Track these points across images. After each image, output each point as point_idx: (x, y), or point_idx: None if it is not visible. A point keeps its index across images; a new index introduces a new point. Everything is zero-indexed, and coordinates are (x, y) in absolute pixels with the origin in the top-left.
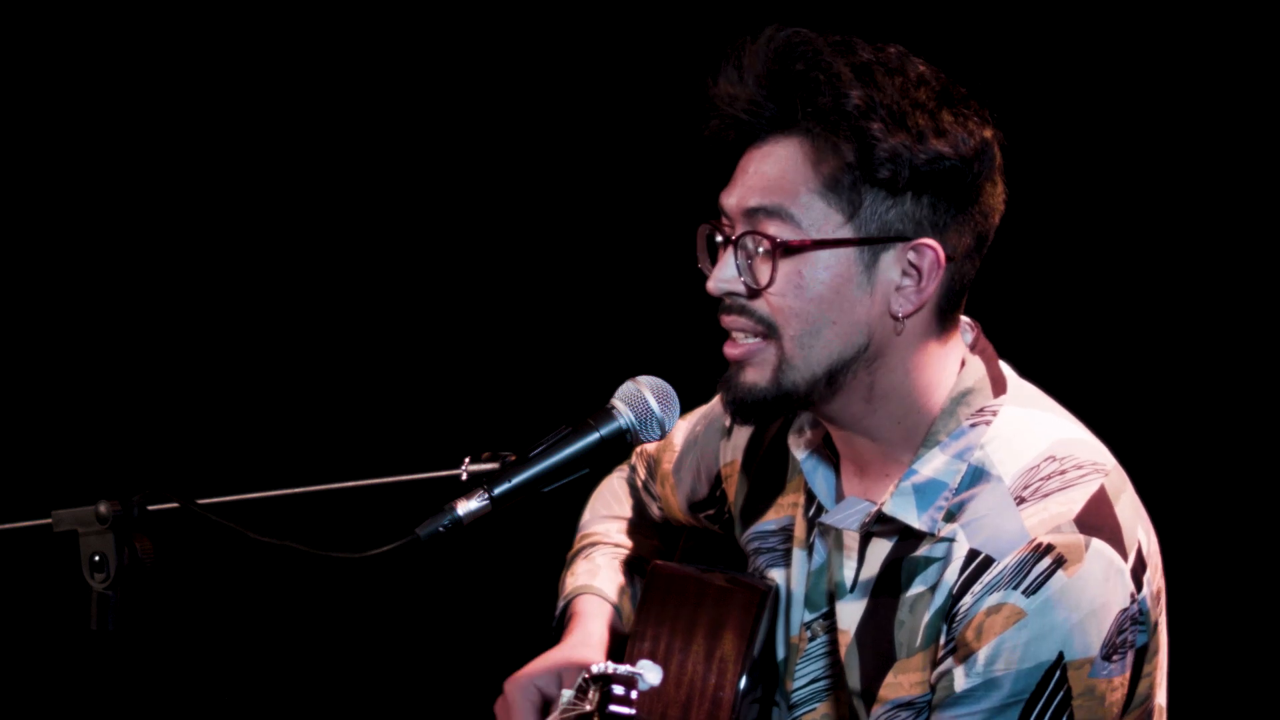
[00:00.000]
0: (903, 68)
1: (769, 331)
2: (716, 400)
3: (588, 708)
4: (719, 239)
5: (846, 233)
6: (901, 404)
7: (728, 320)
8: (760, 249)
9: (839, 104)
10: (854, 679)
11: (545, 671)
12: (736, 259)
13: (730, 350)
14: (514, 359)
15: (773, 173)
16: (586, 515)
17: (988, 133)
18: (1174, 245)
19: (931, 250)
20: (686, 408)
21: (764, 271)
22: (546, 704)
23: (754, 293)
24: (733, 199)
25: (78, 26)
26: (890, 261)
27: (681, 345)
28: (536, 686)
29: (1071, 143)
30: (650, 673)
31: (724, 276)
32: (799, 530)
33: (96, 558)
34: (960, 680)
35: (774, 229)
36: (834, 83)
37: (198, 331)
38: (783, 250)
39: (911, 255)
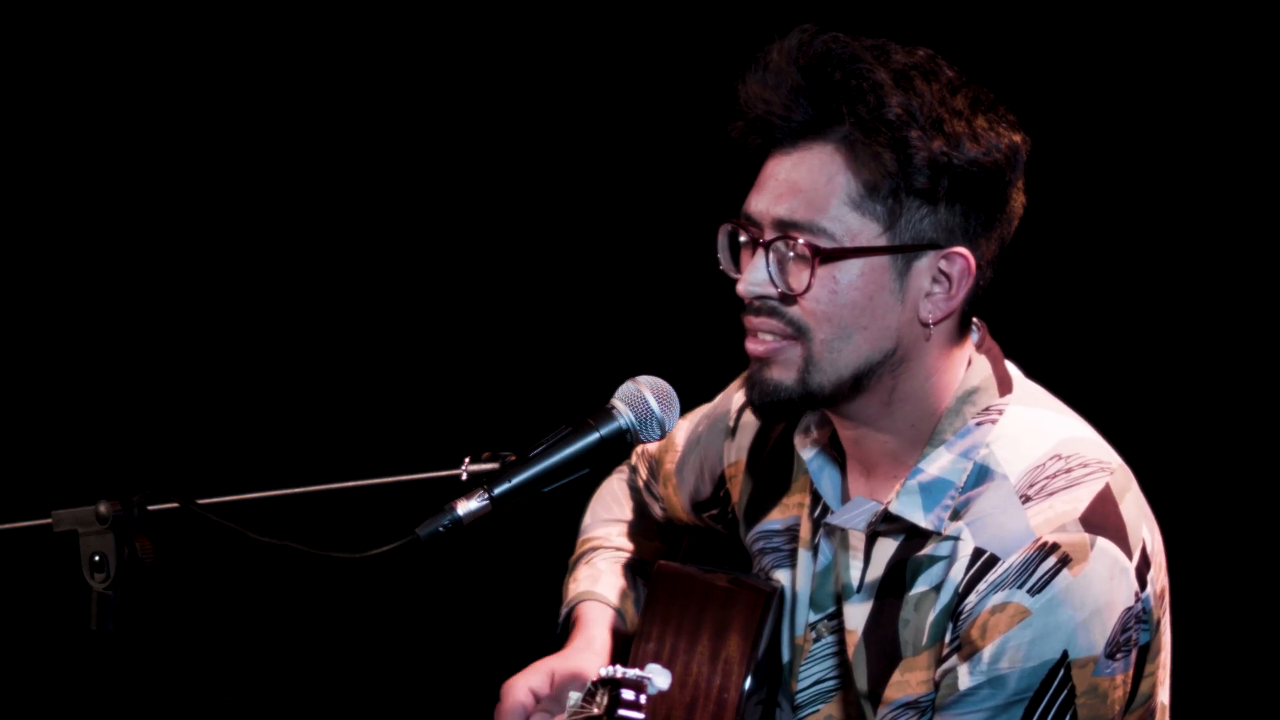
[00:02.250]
0: (936, 72)
1: (798, 334)
2: (719, 400)
3: (596, 711)
4: (743, 238)
5: (883, 241)
6: (917, 407)
7: (756, 321)
8: (793, 253)
9: (880, 112)
10: (861, 679)
11: (540, 674)
12: (768, 263)
13: (754, 347)
14: (514, 359)
15: (805, 182)
16: (587, 519)
17: (1017, 137)
18: (1178, 245)
19: (963, 258)
20: (686, 408)
21: (800, 277)
22: (553, 706)
23: (787, 298)
24: (762, 204)
25: (78, 27)
26: (922, 269)
27: (681, 345)
28: (530, 688)
29: (1074, 143)
30: (659, 677)
31: (756, 280)
32: (804, 531)
33: (96, 558)
34: (964, 678)
35: (807, 239)
36: (876, 91)
37: (197, 331)
38: (821, 257)
39: (943, 263)
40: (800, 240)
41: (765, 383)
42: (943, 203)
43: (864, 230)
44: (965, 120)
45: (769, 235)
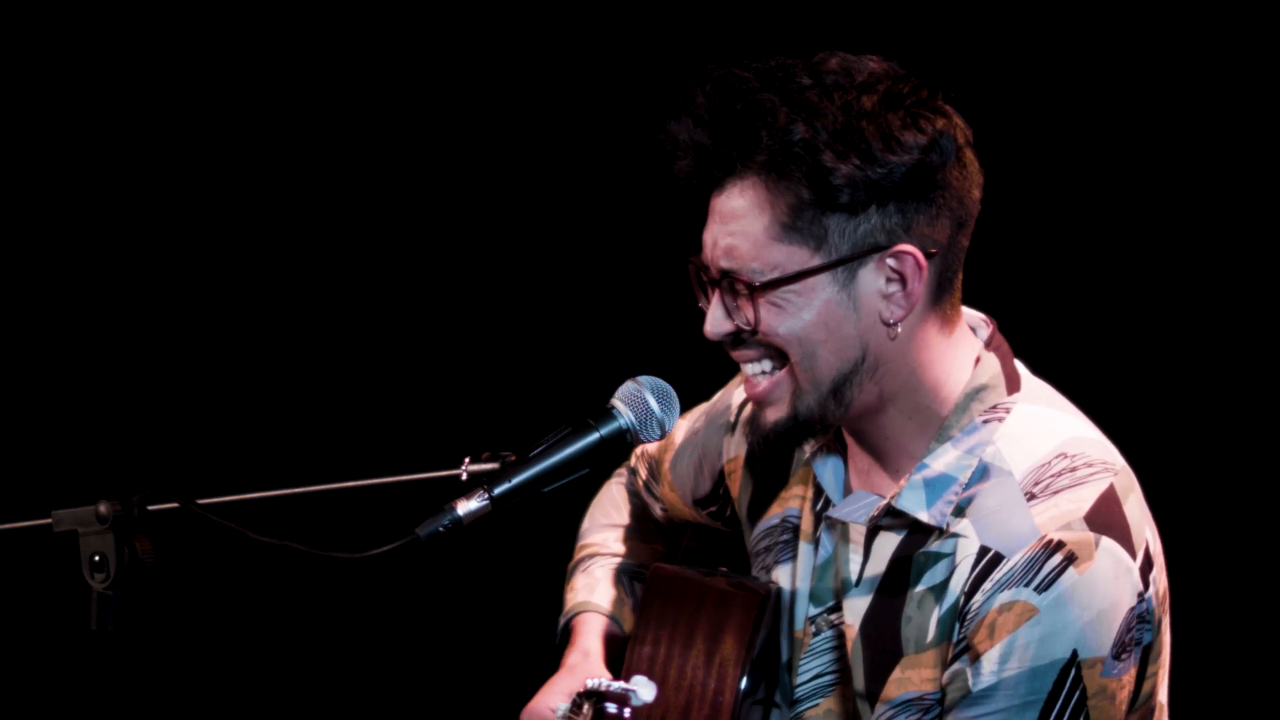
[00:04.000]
0: (846, 80)
1: (777, 357)
2: (718, 396)
3: None
4: (704, 275)
5: (816, 261)
6: (910, 401)
7: (736, 354)
8: (736, 291)
9: (785, 144)
10: (859, 674)
11: (558, 695)
12: (725, 301)
13: (751, 391)
14: (514, 359)
15: (736, 224)
16: (585, 524)
17: (940, 122)
18: (1182, 246)
19: (909, 255)
20: (686, 407)
21: (750, 312)
22: None
23: (748, 332)
24: (708, 246)
25: (78, 27)
26: (870, 274)
27: (681, 345)
28: (552, 709)
29: (1081, 141)
30: (644, 689)
31: (716, 319)
32: (805, 524)
33: (96, 558)
34: (973, 680)
35: (744, 277)
36: (773, 122)
37: (197, 331)
38: (759, 291)
39: (891, 262)
40: (739, 279)
41: (763, 425)
42: (873, 209)
43: (793, 257)
44: (877, 123)
45: (715, 274)
